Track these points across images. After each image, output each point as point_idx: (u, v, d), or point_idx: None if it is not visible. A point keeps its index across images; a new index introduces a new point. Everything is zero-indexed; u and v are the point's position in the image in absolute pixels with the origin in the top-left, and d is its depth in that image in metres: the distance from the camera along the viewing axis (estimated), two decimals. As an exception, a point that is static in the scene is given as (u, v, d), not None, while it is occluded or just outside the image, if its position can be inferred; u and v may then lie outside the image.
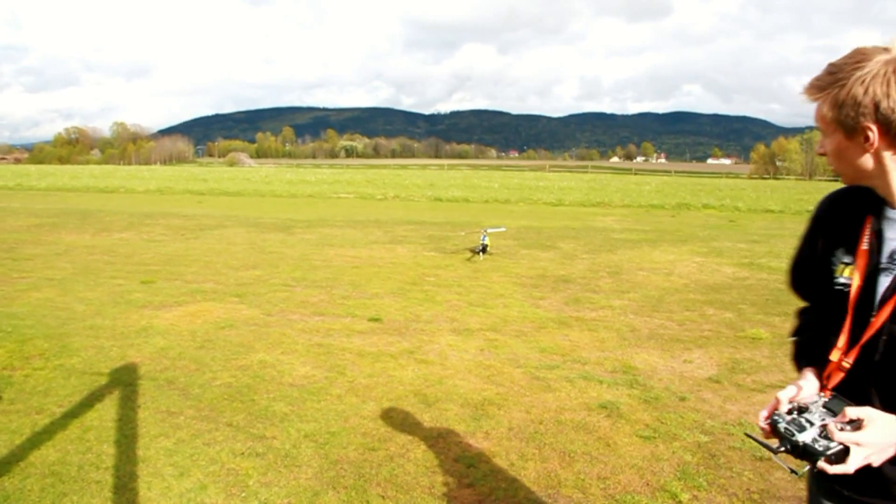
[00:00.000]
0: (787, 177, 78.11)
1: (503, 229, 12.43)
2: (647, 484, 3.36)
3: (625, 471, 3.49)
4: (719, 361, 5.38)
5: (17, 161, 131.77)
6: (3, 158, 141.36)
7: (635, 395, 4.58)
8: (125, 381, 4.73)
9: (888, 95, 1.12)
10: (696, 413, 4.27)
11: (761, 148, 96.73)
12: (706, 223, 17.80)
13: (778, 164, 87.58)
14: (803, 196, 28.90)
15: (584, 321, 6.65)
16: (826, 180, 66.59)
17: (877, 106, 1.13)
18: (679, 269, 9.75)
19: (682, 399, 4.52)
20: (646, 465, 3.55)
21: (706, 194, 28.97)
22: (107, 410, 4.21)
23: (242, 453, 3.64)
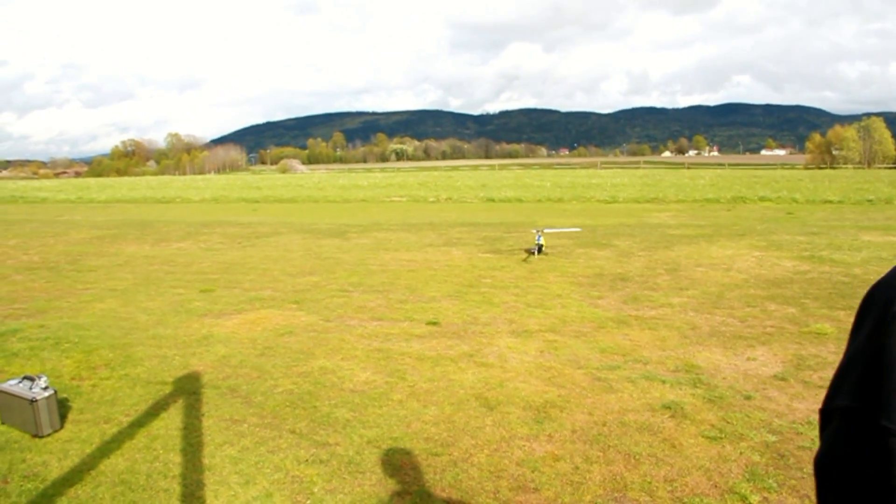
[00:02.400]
0: (844, 166, 75.09)
1: (578, 229, 12.51)
2: (716, 486, 3.30)
3: (692, 472, 3.44)
4: (784, 358, 5.25)
5: (78, 174, 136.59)
6: (65, 172, 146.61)
7: (699, 395, 4.51)
8: (188, 389, 4.87)
9: None
10: (762, 412, 4.18)
11: (817, 137, 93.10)
12: (763, 216, 17.33)
13: (835, 153, 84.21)
14: (863, 185, 27.77)
15: (644, 320, 6.57)
16: (886, 167, 63.87)
17: None
18: (738, 264, 9.53)
19: (748, 398, 4.43)
20: (713, 467, 3.49)
21: (762, 186, 28.12)
22: (172, 419, 4.33)
23: (306, 460, 3.70)
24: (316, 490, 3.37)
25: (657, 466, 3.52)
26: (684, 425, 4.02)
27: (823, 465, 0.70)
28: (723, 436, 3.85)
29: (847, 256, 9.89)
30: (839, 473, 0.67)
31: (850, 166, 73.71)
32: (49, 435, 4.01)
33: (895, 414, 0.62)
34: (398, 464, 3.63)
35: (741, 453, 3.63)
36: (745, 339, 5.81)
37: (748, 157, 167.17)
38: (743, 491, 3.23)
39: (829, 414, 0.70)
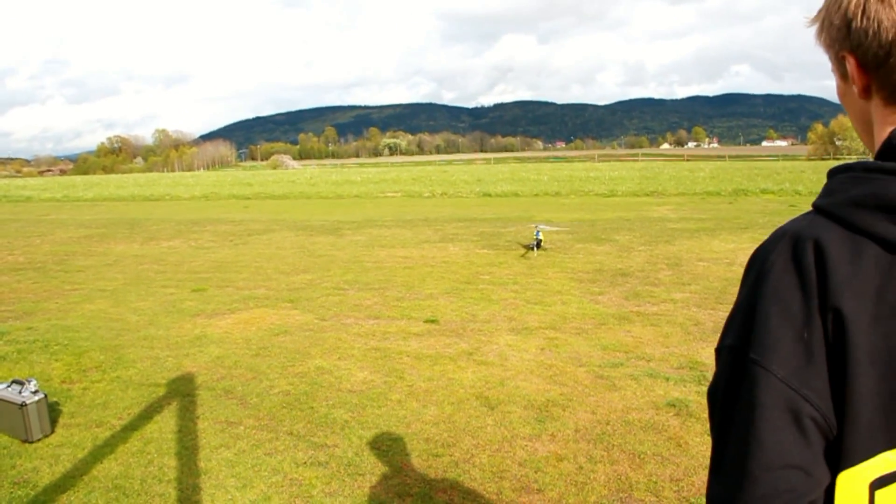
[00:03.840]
0: (848, 156, 74.90)
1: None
2: (723, 486, 3.24)
3: (699, 472, 3.37)
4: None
5: (63, 172, 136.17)
6: (49, 170, 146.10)
7: (704, 392, 4.42)
8: (182, 391, 4.79)
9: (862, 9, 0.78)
10: (769, 410, 4.11)
11: (819, 127, 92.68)
12: (766, 209, 17.24)
13: (838, 143, 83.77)
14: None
15: (646, 316, 6.49)
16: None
17: (849, 25, 0.80)
18: (741, 258, 9.45)
19: (754, 395, 4.35)
20: (720, 466, 3.42)
21: (763, 179, 28.03)
22: (166, 422, 4.25)
23: (305, 462, 3.63)
24: (315, 493, 3.30)
25: (663, 466, 3.46)
26: (689, 423, 3.95)
27: (712, 394, 0.83)
28: (729, 434, 3.77)
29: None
30: (721, 398, 0.80)
31: (854, 157, 73.51)
32: (39, 440, 3.93)
33: (759, 348, 0.75)
34: (398, 465, 3.56)
35: (748, 452, 3.55)
36: (750, 335, 5.73)
37: (749, 149, 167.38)
38: (751, 491, 3.15)
39: (719, 352, 0.82)
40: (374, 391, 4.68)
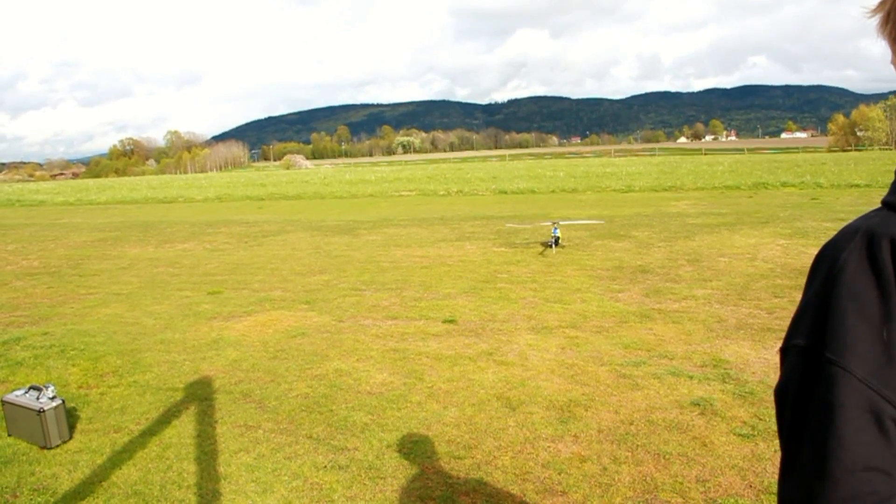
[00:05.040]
0: (870, 147, 73.73)
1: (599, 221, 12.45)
2: (751, 486, 3.17)
3: (725, 472, 3.30)
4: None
5: (76, 175, 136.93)
6: (62, 174, 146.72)
7: (729, 391, 4.35)
8: (200, 395, 4.76)
9: None
10: (797, 408, 4.00)
11: (840, 118, 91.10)
12: (787, 202, 17.01)
13: (859, 134, 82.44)
14: (891, 167, 27.23)
15: (667, 313, 6.39)
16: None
17: None
18: (763, 253, 9.31)
19: (781, 393, 4.25)
20: (747, 466, 3.35)
21: (784, 171, 27.69)
22: (184, 426, 4.22)
23: (325, 466, 3.59)
24: (336, 497, 3.26)
25: (688, 466, 3.39)
26: (715, 423, 3.87)
27: (781, 394, 0.81)
28: (756, 433, 3.70)
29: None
30: (793, 398, 0.78)
31: (876, 148, 72.35)
32: (58, 446, 3.92)
33: (836, 347, 0.73)
34: (420, 468, 3.51)
35: (776, 451, 3.46)
36: (775, 332, 5.61)
37: (768, 141, 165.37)
38: (780, 492, 3.06)
39: (787, 351, 0.81)
40: (394, 393, 4.62)
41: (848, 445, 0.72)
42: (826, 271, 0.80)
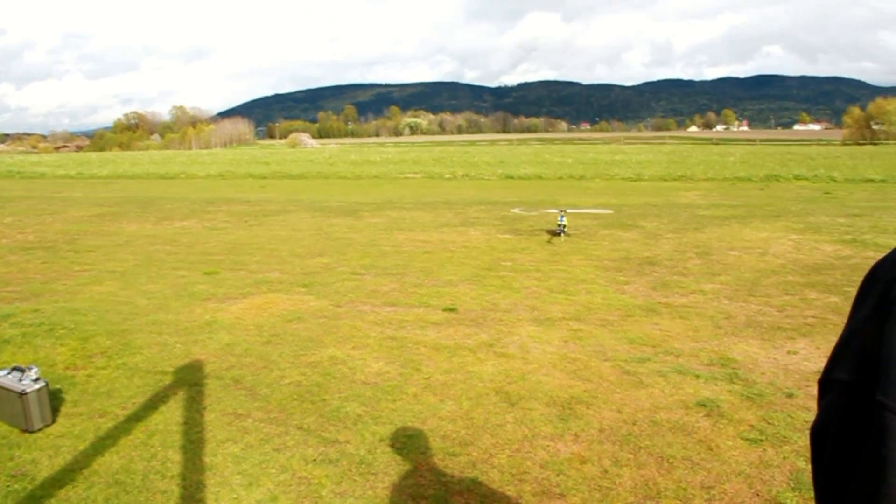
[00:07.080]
0: (886, 141, 72.73)
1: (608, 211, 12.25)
2: (758, 494, 3.04)
3: (731, 479, 3.17)
4: (828, 352, 4.87)
5: (79, 148, 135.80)
6: (65, 146, 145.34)
7: (736, 392, 4.20)
8: (190, 380, 4.62)
9: None
10: (806, 412, 3.86)
11: (856, 111, 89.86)
12: (799, 196, 16.76)
13: (875, 127, 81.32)
14: (907, 162, 26.89)
15: (674, 308, 6.23)
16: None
17: None
18: (774, 247, 9.12)
19: (790, 396, 4.11)
20: (754, 473, 3.21)
21: (797, 164, 27.31)
22: (171, 413, 4.09)
23: (314, 460, 3.47)
24: (324, 493, 3.14)
25: (693, 471, 3.25)
26: (721, 425, 3.73)
27: (819, 434, 0.75)
28: (764, 438, 3.56)
29: (893, 240, 9.38)
30: (834, 442, 0.71)
31: (892, 142, 71.36)
32: (40, 430, 3.79)
33: (888, 389, 0.65)
34: (413, 464, 3.39)
35: (784, 458, 3.34)
36: (785, 331, 5.45)
37: (780, 133, 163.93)
38: (788, 501, 2.98)
39: (828, 385, 0.76)
40: (390, 383, 4.49)
41: None
42: (880, 295, 0.71)
